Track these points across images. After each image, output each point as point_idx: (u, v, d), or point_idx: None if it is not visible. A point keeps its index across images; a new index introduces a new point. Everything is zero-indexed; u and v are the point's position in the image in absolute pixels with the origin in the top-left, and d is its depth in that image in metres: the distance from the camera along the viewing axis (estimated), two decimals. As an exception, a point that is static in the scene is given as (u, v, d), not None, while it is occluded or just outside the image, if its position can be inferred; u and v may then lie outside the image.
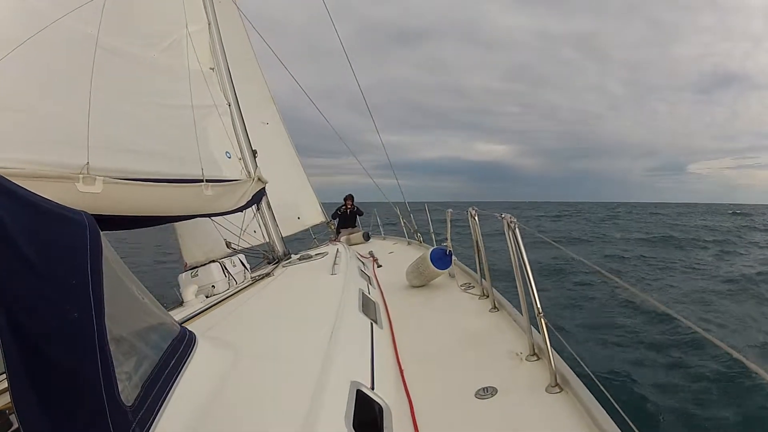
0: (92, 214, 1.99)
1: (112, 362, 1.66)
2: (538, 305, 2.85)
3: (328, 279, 5.08)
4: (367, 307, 4.23)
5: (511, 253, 3.10)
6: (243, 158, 7.17)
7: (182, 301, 5.51)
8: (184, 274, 6.24)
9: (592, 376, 2.65)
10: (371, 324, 3.78)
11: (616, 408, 2.34)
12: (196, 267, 6.30)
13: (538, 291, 2.87)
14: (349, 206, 14.49)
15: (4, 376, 1.45)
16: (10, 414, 2.05)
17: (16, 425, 1.60)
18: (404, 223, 11.03)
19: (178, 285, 6.12)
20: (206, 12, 7.25)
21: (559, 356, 2.79)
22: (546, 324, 2.80)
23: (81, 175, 3.97)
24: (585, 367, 2.73)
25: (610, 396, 2.46)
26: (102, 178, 4.12)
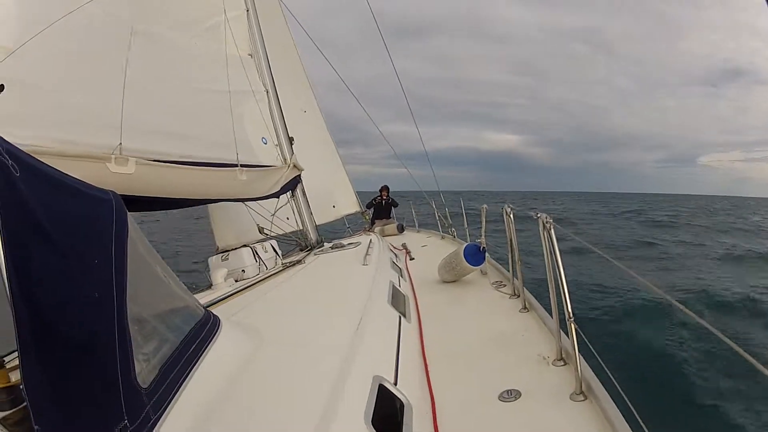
0: (124, 195, 1.96)
1: (130, 343, 1.64)
2: (569, 310, 2.76)
3: (359, 269, 5.05)
4: (397, 300, 4.18)
5: (545, 254, 3.03)
6: (279, 144, 7.18)
7: (211, 284, 5.51)
8: (214, 257, 6.24)
9: (618, 387, 2.59)
10: (399, 317, 3.73)
11: (638, 420, 2.28)
12: (227, 251, 6.31)
13: (570, 294, 2.80)
14: (384, 197, 14.43)
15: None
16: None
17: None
18: (439, 216, 10.96)
19: (208, 267, 6.13)
20: None
21: (586, 363, 2.73)
22: (576, 329, 2.72)
23: (113, 156, 3.98)
24: (611, 376, 2.68)
25: (634, 407, 2.40)
26: (134, 159, 4.12)
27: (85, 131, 4.04)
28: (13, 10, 3.96)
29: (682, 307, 2.12)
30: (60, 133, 3.81)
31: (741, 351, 1.62)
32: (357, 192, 12.98)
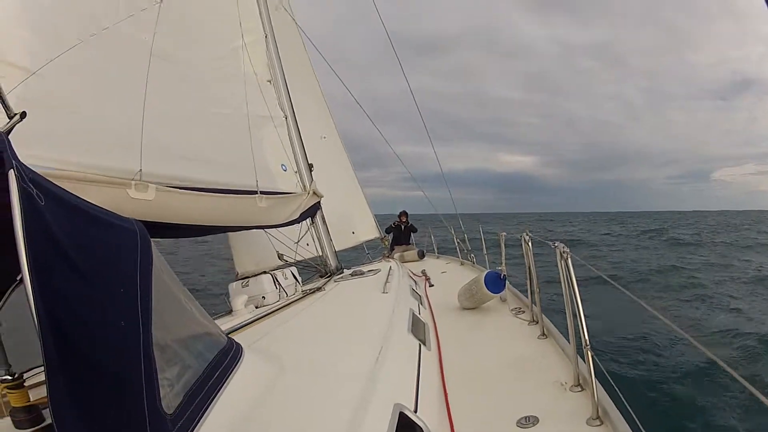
0: (143, 221, 1.99)
1: (156, 370, 1.66)
2: (586, 337, 2.83)
3: (379, 297, 5.04)
4: (417, 327, 4.17)
5: (563, 283, 3.10)
6: (299, 171, 7.21)
7: (231, 310, 5.53)
8: (234, 283, 6.27)
9: (632, 413, 2.62)
10: (419, 345, 3.73)
11: None
12: (248, 277, 6.32)
13: (586, 321, 2.84)
14: (403, 221, 14.44)
15: (41, 369, 1.46)
16: (44, 408, 2.04)
17: (49, 421, 1.61)
18: (458, 242, 10.94)
19: (228, 293, 6.15)
20: (263, 23, 7.32)
21: (602, 388, 2.78)
22: (592, 356, 2.76)
23: (133, 182, 3.98)
24: (625, 402, 2.71)
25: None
26: (155, 185, 4.13)
27: (106, 155, 4.09)
28: (33, 31, 4.02)
29: (696, 343, 2.15)
30: (80, 157, 3.84)
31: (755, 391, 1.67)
32: (375, 215, 13.00)
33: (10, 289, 1.95)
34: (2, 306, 1.94)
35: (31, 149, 3.04)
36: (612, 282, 3.21)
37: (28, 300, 1.35)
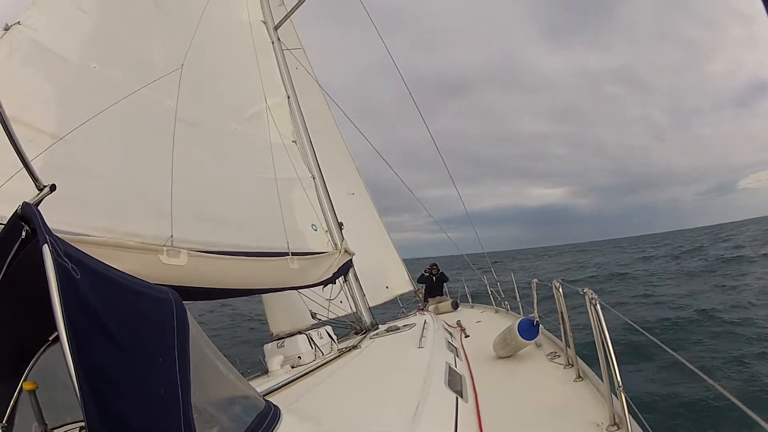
0: (176, 286, 2.05)
1: None
2: (618, 379, 2.85)
3: (415, 352, 5.04)
4: (453, 380, 4.17)
5: (593, 328, 3.11)
6: (329, 230, 7.30)
7: (267, 371, 5.56)
8: (269, 344, 6.29)
9: None
10: (456, 398, 3.73)
11: None
12: (282, 337, 6.36)
13: (619, 364, 2.88)
14: (434, 273, 14.42)
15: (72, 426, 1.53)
16: None
17: None
18: (491, 291, 10.90)
19: (263, 353, 6.19)
20: (285, 85, 7.52)
21: (638, 426, 2.80)
22: (625, 397, 2.80)
23: (165, 248, 4.05)
24: None
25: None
26: (186, 251, 4.20)
27: (135, 220, 4.17)
28: (59, 98, 4.18)
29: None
30: (109, 221, 3.92)
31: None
32: (406, 260, 13.02)
33: (42, 348, 2.03)
34: (33, 365, 2.02)
35: (59, 213, 3.10)
36: (647, 334, 3.21)
37: (69, 372, 1.39)
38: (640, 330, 3.20)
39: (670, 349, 2.85)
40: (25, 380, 2.04)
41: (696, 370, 2.43)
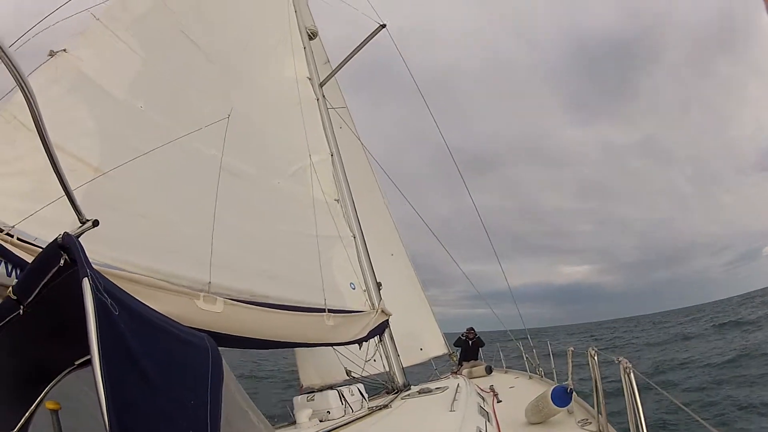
0: (210, 331, 2.11)
1: None
2: None
3: (446, 416, 5.01)
4: None
5: (626, 396, 3.16)
6: (367, 290, 7.34)
7: (294, 422, 5.61)
8: (299, 396, 6.29)
9: None
10: None
11: None
12: (313, 391, 6.38)
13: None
14: (470, 337, 14.32)
15: None
16: None
17: None
18: (526, 357, 10.80)
19: (292, 404, 6.21)
20: (328, 142, 7.69)
21: None
22: None
23: (202, 294, 4.10)
24: None
25: None
26: (223, 299, 4.25)
27: (174, 262, 4.25)
28: (105, 134, 4.30)
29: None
30: (148, 261, 3.98)
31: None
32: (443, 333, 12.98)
33: (66, 371, 2.07)
34: (55, 385, 2.06)
35: (97, 245, 3.09)
36: (683, 407, 3.20)
37: (101, 407, 1.42)
38: (675, 402, 3.21)
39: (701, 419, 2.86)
40: (45, 398, 2.05)
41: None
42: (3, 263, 2.61)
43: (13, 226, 3.11)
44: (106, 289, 1.65)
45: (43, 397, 2.06)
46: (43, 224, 3.24)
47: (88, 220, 2.18)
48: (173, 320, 2.04)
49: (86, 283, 1.56)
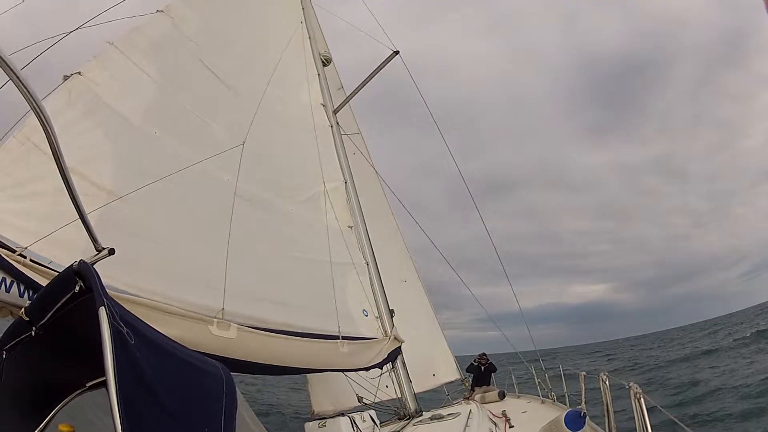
0: (223, 357, 2.15)
1: None
2: None
3: None
4: None
5: (636, 420, 3.18)
6: (380, 317, 7.33)
7: None
8: (311, 423, 6.24)
9: None
10: None
11: None
12: (324, 417, 6.40)
13: None
14: (483, 362, 14.28)
15: None
16: None
17: None
18: (538, 382, 10.77)
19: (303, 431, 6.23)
20: (342, 169, 7.72)
21: None
22: None
23: (215, 319, 4.13)
24: None
25: None
26: (237, 325, 4.29)
27: (187, 287, 4.27)
28: (120, 159, 4.34)
29: None
30: (161, 286, 4.02)
31: None
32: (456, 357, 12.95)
33: (77, 392, 2.10)
34: (65, 405, 2.09)
35: (111, 270, 3.04)
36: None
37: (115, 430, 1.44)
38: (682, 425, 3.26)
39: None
40: (54, 417, 2.08)
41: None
42: (15, 284, 2.64)
43: (26, 248, 3.13)
44: (122, 317, 1.68)
45: (53, 416, 2.09)
46: (56, 245, 3.29)
47: (104, 248, 2.19)
48: (188, 348, 2.11)
49: (102, 312, 1.60)
